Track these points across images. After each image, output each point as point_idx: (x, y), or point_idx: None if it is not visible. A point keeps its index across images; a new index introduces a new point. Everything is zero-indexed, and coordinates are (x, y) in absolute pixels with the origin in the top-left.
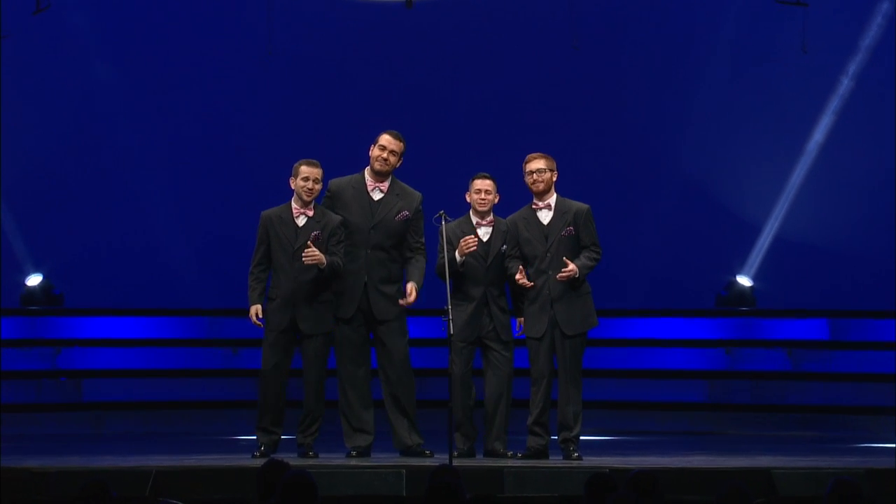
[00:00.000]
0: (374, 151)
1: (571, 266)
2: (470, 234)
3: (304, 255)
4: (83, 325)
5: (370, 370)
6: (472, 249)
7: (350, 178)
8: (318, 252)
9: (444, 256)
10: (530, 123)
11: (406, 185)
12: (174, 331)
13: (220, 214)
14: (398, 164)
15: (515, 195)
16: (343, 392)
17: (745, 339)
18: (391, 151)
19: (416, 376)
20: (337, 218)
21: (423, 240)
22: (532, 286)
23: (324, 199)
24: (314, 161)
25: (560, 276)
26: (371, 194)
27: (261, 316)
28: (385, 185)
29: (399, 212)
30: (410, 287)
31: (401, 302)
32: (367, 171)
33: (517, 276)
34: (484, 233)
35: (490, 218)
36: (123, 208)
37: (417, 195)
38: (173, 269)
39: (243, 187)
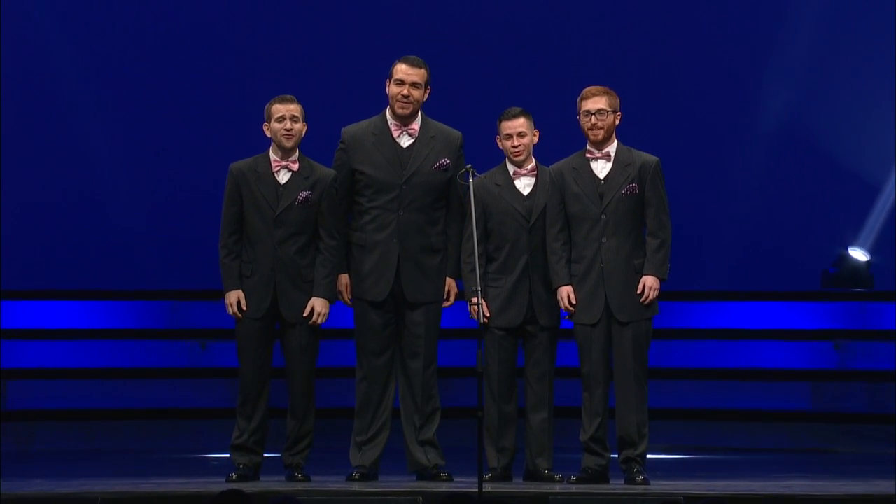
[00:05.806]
0: (392, 88)
1: (649, 283)
2: (506, 192)
3: (311, 323)
4: (9, 311)
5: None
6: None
7: (368, 122)
8: (318, 307)
9: (471, 226)
10: (582, 52)
11: (440, 124)
12: (126, 319)
13: (186, 171)
14: (425, 98)
15: (564, 142)
16: (360, 393)
17: (860, 330)
18: (412, 84)
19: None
20: (329, 172)
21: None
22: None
23: (337, 153)
24: (287, 96)
25: (644, 301)
26: (398, 141)
27: (244, 307)
28: (414, 127)
29: (436, 159)
30: (449, 285)
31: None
32: (387, 113)
33: (562, 297)
34: (524, 184)
35: (531, 165)
36: (61, 161)
37: (456, 134)
38: (125, 241)
39: (215, 136)
